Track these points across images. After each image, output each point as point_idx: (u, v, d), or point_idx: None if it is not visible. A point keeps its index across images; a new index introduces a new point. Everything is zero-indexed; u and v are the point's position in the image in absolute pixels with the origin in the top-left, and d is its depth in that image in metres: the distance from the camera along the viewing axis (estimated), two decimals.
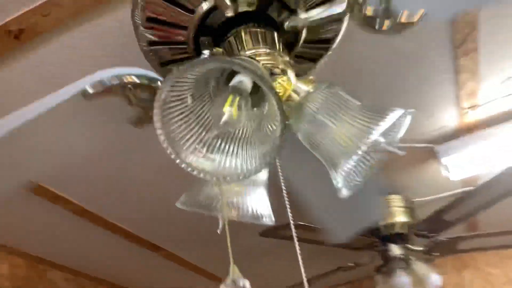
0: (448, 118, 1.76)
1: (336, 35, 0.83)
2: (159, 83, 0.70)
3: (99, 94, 0.68)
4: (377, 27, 0.70)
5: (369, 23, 0.70)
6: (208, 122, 0.66)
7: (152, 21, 0.76)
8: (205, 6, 0.74)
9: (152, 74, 0.73)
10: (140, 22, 0.76)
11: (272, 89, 0.58)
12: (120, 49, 1.18)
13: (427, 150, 1.87)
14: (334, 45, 0.86)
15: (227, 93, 0.64)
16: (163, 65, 0.81)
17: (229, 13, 0.72)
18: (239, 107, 0.64)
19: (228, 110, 0.62)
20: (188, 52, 0.79)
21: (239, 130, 0.67)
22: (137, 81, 0.70)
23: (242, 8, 0.75)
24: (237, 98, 0.63)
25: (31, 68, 1.22)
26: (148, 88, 0.70)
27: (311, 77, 0.74)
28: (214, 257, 2.35)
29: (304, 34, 0.80)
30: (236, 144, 0.66)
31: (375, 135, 0.62)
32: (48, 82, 1.26)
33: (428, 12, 0.70)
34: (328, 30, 0.81)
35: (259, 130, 0.67)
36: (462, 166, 1.85)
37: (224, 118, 0.62)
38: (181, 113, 0.63)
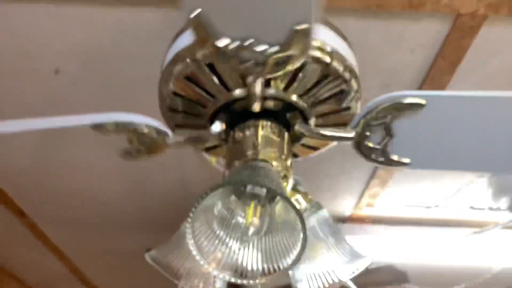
0: (347, 205, 2.00)
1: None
2: (165, 137, 0.79)
3: (108, 131, 0.75)
4: (371, 157, 0.80)
5: (365, 152, 0.79)
6: (231, 224, 0.69)
7: (177, 95, 0.81)
8: (235, 94, 0.79)
9: (161, 126, 0.79)
10: (165, 92, 0.81)
11: (297, 211, 0.62)
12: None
13: None
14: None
15: (247, 198, 0.68)
16: (178, 127, 0.88)
17: (256, 109, 0.78)
18: (261, 215, 0.67)
19: (253, 222, 0.66)
20: (203, 120, 0.85)
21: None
22: (146, 131, 0.77)
23: (267, 106, 0.80)
24: (259, 208, 0.67)
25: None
26: (151, 138, 0.78)
27: (309, 196, 0.83)
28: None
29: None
30: (256, 240, 0.69)
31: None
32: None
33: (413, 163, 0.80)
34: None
35: (275, 221, 0.69)
36: None
37: (250, 231, 0.67)
38: (207, 223, 0.67)
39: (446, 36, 1.17)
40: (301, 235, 0.60)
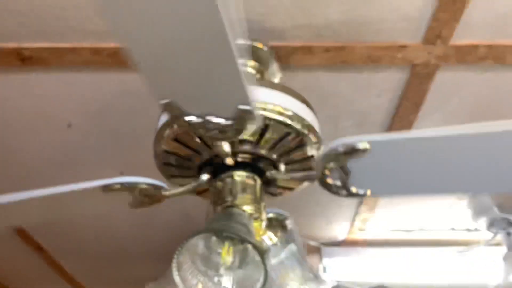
0: (341, 229, 2.15)
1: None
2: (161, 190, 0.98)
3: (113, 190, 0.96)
4: (334, 191, 0.95)
5: (329, 187, 0.95)
6: (210, 260, 0.84)
7: (168, 153, 1.01)
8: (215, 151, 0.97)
9: (157, 182, 0.98)
10: (159, 150, 1.00)
11: (260, 252, 0.78)
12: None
13: (316, 248, 2.25)
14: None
15: (223, 238, 0.83)
16: (172, 177, 1.07)
17: (230, 163, 0.96)
18: (234, 253, 0.83)
19: (226, 260, 0.83)
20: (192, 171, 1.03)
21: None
22: (144, 186, 0.97)
23: (243, 159, 0.98)
24: (231, 248, 0.83)
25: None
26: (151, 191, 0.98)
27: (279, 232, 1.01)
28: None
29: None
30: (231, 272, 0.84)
31: None
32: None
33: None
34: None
35: (247, 256, 0.83)
36: (337, 272, 2.21)
37: (225, 267, 0.83)
38: (191, 259, 0.83)
39: (407, 82, 1.34)
40: (263, 272, 0.76)
